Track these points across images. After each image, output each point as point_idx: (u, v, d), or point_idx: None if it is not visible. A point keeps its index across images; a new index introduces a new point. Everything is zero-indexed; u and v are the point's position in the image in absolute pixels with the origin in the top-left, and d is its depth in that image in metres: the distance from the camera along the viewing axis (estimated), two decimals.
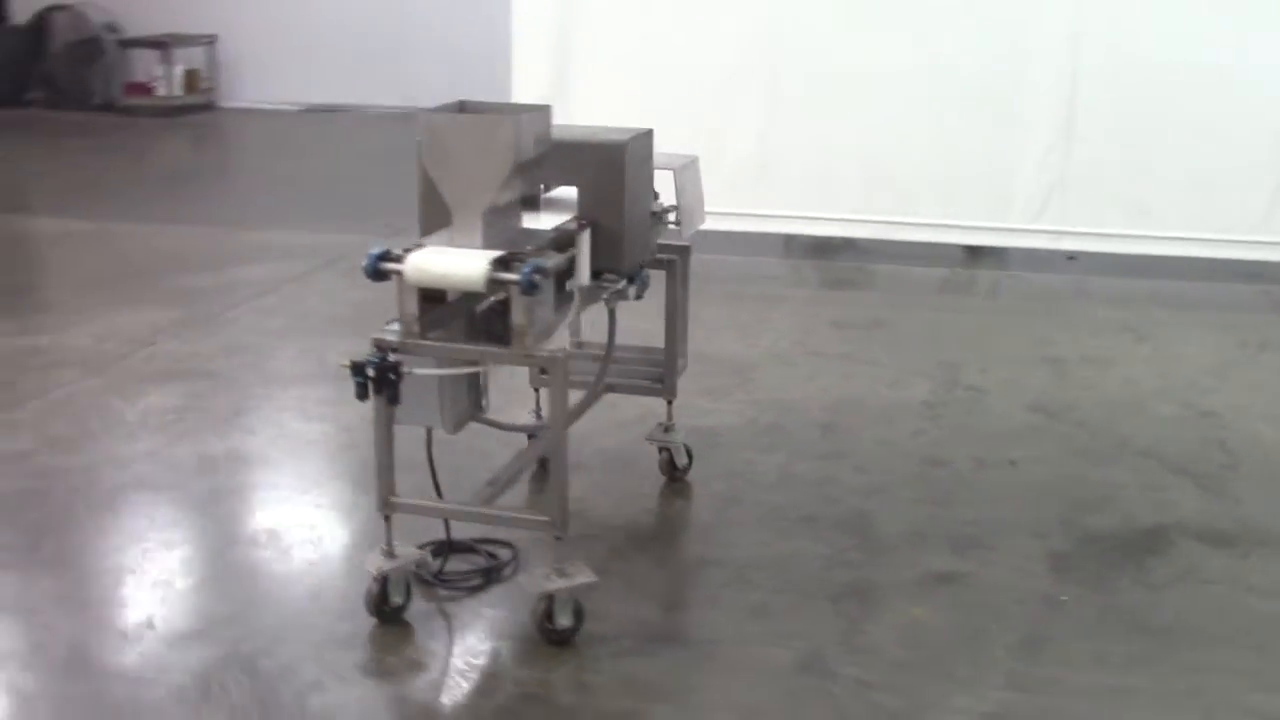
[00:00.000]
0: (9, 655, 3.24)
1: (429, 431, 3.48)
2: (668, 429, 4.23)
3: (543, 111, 3.24)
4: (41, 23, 12.45)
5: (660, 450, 4.25)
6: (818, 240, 7.35)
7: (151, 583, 3.59)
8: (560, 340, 3.33)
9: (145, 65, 12.22)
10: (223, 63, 12.47)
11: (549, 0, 7.13)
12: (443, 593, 3.53)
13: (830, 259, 7.31)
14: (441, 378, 3.30)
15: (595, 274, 3.51)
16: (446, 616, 3.46)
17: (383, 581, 3.34)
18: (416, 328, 3.16)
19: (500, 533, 3.67)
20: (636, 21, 7.08)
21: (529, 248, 3.14)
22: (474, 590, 3.54)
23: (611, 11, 7.09)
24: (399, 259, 3.11)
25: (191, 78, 12.21)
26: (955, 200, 7.04)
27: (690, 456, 4.28)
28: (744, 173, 7.15)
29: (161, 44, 12.01)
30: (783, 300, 6.46)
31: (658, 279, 4.00)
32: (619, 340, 4.25)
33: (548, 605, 3.25)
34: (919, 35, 6.85)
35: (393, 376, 3.14)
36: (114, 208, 8.37)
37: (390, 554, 3.34)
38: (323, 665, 3.18)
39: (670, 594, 3.59)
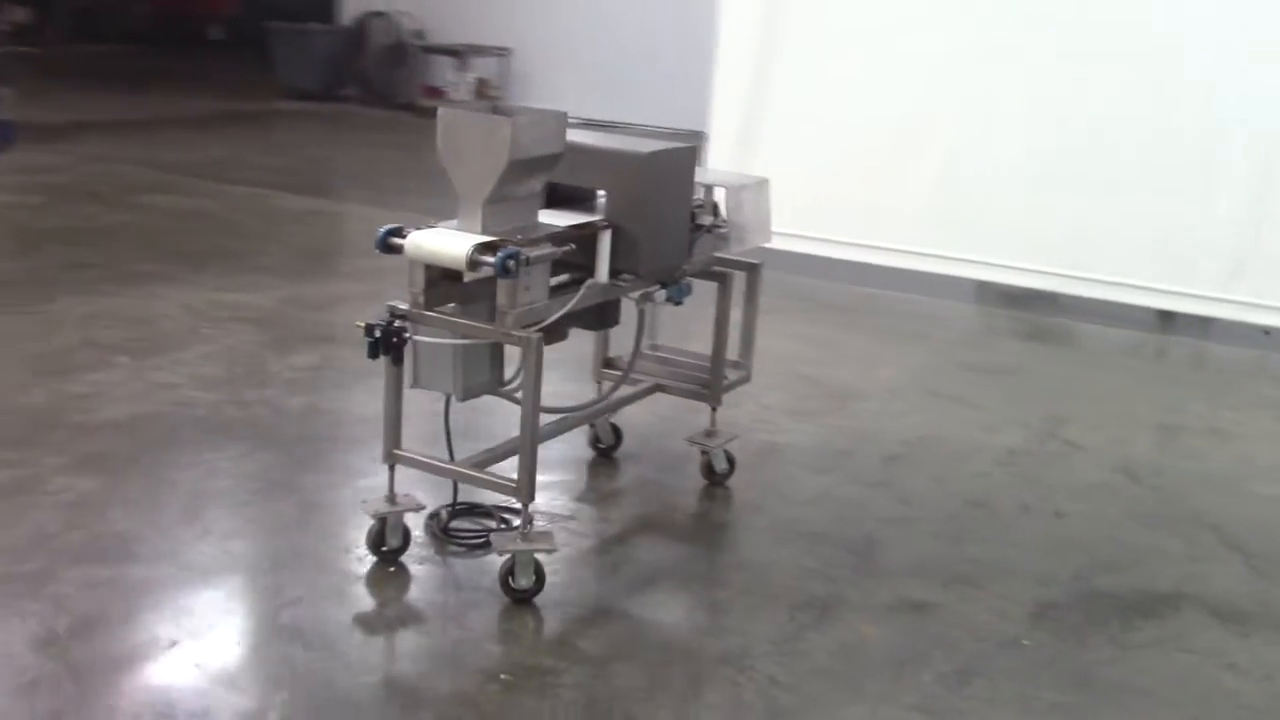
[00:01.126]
0: (77, 546, 3.79)
1: (447, 398, 3.85)
2: (710, 434, 4.44)
3: (552, 116, 3.55)
4: (361, 26, 13.72)
5: (701, 454, 4.46)
6: (1013, 291, 7.30)
7: (208, 499, 4.10)
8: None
9: (442, 71, 13.25)
10: (513, 74, 13.35)
11: (747, 55, 7.53)
12: (450, 546, 3.89)
13: (1019, 309, 7.24)
14: (456, 347, 3.66)
15: (614, 274, 3.79)
16: (445, 566, 3.82)
17: (381, 523, 3.73)
18: (422, 299, 3.53)
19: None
20: (827, 73, 7.35)
21: (518, 237, 3.45)
22: (476, 548, 3.88)
23: (803, 62, 7.40)
24: (404, 236, 3.49)
25: (482, 85, 13.14)
26: (1145, 263, 6.89)
27: (731, 464, 4.47)
28: (928, 217, 7.24)
29: (458, 52, 13.01)
30: (926, 339, 6.49)
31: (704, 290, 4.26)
32: (685, 346, 4.57)
33: (510, 565, 3.55)
34: (1117, 91, 6.77)
35: (395, 340, 3.52)
36: (371, 194, 9.22)
37: (391, 500, 3.73)
38: (310, 588, 3.59)
39: (645, 579, 3.79)
